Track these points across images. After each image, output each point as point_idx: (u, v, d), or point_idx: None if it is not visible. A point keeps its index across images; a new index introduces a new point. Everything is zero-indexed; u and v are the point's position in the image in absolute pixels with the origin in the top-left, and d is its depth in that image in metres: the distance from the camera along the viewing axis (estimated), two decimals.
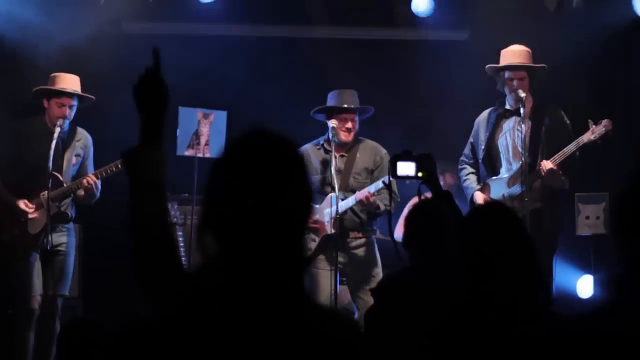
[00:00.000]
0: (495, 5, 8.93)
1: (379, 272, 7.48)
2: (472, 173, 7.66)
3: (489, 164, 7.52)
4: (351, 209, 7.41)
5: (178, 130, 7.81)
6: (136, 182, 2.60)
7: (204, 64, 9.20)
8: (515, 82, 7.40)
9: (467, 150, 7.73)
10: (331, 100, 7.61)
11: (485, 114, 7.62)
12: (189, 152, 7.86)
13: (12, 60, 8.38)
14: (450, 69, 9.05)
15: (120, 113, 8.47)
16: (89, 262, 8.65)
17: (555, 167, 7.12)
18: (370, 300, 7.15)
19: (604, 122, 7.11)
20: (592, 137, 7.09)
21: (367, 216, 7.55)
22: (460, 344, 3.11)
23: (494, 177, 7.46)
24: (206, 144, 7.89)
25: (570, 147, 7.16)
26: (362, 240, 7.54)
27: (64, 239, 7.49)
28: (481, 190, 7.50)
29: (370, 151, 7.67)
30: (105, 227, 8.95)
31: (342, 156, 7.55)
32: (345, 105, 7.54)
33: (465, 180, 7.70)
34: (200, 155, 7.86)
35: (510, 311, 3.13)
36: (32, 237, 7.37)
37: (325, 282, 7.34)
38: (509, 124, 7.47)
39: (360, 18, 9.76)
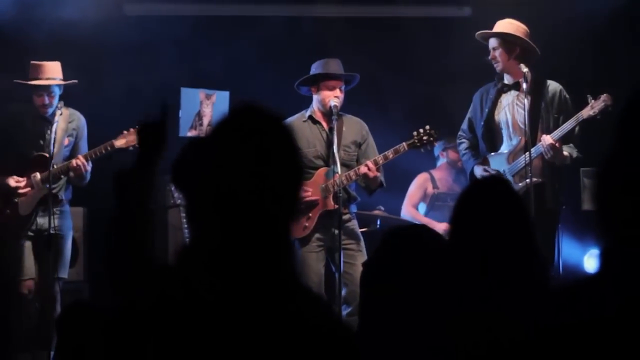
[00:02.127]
0: None
1: (363, 246, 7.44)
2: (471, 147, 7.64)
3: (489, 140, 7.50)
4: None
5: (180, 112, 7.78)
6: (122, 202, 2.67)
7: (206, 44, 9.17)
8: (491, 52, 7.43)
9: (465, 125, 7.73)
10: (318, 69, 7.53)
11: (483, 89, 7.61)
12: (191, 133, 7.83)
13: (9, 42, 8.35)
14: (453, 46, 9.00)
15: (119, 94, 8.52)
16: (94, 245, 8.65)
17: (555, 143, 7.09)
18: (357, 275, 7.15)
19: (603, 96, 7.07)
20: (591, 113, 7.07)
21: (367, 191, 7.51)
22: (457, 321, 3.09)
23: (493, 153, 7.44)
24: (209, 125, 7.85)
25: (570, 123, 7.14)
26: (348, 216, 7.48)
27: (58, 221, 7.48)
28: (481, 164, 7.49)
29: (356, 125, 7.60)
30: (109, 210, 8.97)
31: (330, 129, 7.45)
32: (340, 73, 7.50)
33: (464, 154, 7.70)
34: (202, 136, 7.82)
35: (505, 288, 3.11)
36: (23, 219, 7.42)
37: (317, 265, 7.32)
38: (507, 98, 7.45)
39: None
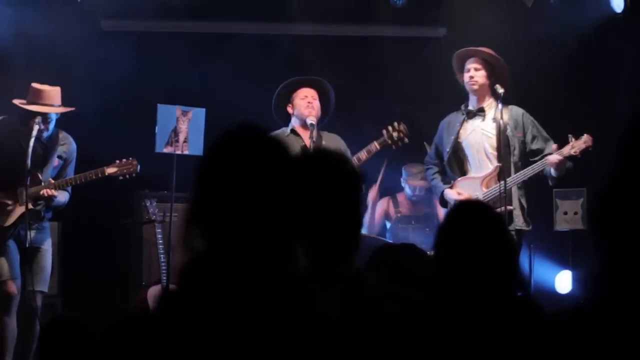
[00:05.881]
0: (473, 1, 8.96)
1: None
2: (439, 172, 7.71)
3: (457, 165, 7.57)
4: None
5: (157, 128, 7.78)
6: None
7: (182, 61, 9.20)
8: (471, 72, 7.45)
9: (431, 151, 7.82)
10: (284, 86, 7.64)
11: (449, 116, 7.68)
12: (167, 150, 7.84)
13: None
14: (427, 66, 9.06)
15: (95, 109, 8.52)
16: (67, 259, 8.64)
17: (563, 159, 7.13)
18: None
19: (584, 137, 7.15)
20: (572, 152, 7.12)
21: None
22: (439, 339, 3.13)
23: (461, 178, 7.51)
24: (185, 142, 7.87)
25: (541, 163, 7.24)
26: None
27: (39, 235, 7.44)
28: (450, 188, 7.53)
29: (335, 139, 7.60)
30: (83, 224, 8.97)
31: (312, 142, 7.41)
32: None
33: (433, 179, 7.76)
34: (179, 152, 7.83)
35: (488, 305, 3.16)
36: (3, 229, 7.35)
37: None
38: (473, 124, 7.51)
39: (337, 15, 9.76)
